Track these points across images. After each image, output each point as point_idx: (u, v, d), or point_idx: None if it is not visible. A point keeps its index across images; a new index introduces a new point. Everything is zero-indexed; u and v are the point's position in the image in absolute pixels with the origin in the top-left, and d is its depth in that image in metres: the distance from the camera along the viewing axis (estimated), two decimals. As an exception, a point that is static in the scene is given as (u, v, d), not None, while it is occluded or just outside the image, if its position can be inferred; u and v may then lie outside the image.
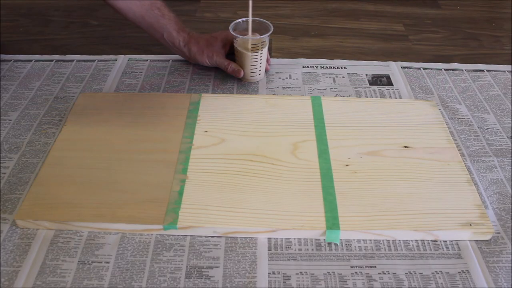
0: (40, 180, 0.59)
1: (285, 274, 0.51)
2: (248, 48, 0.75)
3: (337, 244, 0.54)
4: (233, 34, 0.75)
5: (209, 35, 0.80)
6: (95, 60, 0.85)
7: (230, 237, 0.55)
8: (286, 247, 0.54)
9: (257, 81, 0.80)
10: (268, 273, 0.51)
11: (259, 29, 0.77)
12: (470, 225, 0.55)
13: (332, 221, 0.54)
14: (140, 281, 0.50)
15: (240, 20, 0.77)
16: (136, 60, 0.86)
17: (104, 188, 0.58)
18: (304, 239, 0.55)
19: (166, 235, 0.55)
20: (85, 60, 0.86)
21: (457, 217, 0.56)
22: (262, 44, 0.75)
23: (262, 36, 0.75)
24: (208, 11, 1.06)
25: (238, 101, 0.74)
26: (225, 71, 0.79)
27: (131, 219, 0.54)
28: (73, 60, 0.86)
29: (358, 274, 0.51)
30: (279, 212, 0.55)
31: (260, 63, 0.78)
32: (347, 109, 0.72)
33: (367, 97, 0.78)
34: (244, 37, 0.75)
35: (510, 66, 0.87)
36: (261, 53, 0.76)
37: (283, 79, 0.82)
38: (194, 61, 0.81)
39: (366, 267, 0.52)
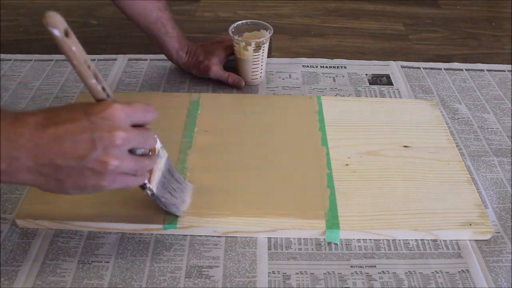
0: (40, 180, 0.59)
1: (285, 273, 0.51)
2: (249, 51, 0.74)
3: (337, 244, 0.54)
4: (233, 37, 0.74)
5: (209, 47, 0.79)
6: (95, 60, 0.85)
7: (230, 236, 0.55)
8: (286, 246, 0.54)
9: (257, 81, 0.80)
10: (268, 273, 0.51)
11: (258, 31, 0.77)
12: (470, 224, 0.55)
13: (332, 221, 0.54)
14: (140, 281, 0.50)
15: (240, 22, 0.76)
16: (136, 60, 0.86)
17: (104, 187, 0.58)
18: (304, 238, 0.55)
19: (166, 234, 0.55)
20: (85, 60, 0.86)
21: (457, 216, 0.56)
22: (263, 47, 0.75)
23: (262, 39, 0.74)
24: (208, 11, 1.06)
25: (238, 101, 0.74)
26: (226, 83, 0.78)
27: (131, 219, 0.54)
28: (73, 60, 0.86)
29: (358, 273, 0.51)
30: (279, 211, 0.55)
31: (261, 65, 0.78)
32: (347, 108, 0.72)
33: (367, 96, 0.78)
34: (244, 40, 0.74)
35: (510, 65, 0.87)
36: (262, 56, 0.76)
37: (283, 79, 0.82)
38: None
39: (366, 266, 0.52)
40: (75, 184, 0.40)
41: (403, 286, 0.50)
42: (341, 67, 0.85)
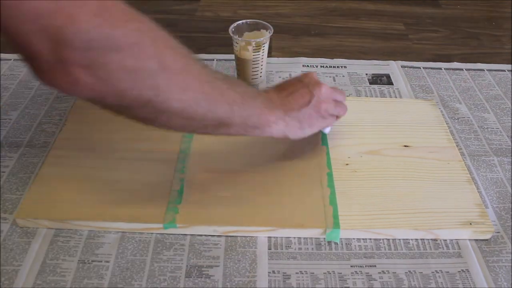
0: (40, 179, 0.59)
1: (285, 273, 0.51)
2: (249, 51, 0.74)
3: (337, 243, 0.54)
4: (233, 37, 0.74)
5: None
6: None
7: (230, 236, 0.55)
8: (286, 246, 0.54)
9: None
10: (268, 272, 0.51)
11: (259, 30, 0.77)
12: (470, 224, 0.55)
13: (332, 220, 0.54)
14: (140, 280, 0.50)
15: (240, 22, 0.76)
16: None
17: (104, 187, 0.58)
18: (304, 238, 0.55)
19: (166, 234, 0.55)
20: (85, 59, 0.85)
21: (457, 216, 0.56)
22: (263, 46, 0.75)
23: (262, 39, 0.74)
24: (208, 10, 1.05)
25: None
26: None
27: (131, 218, 0.54)
28: (73, 59, 0.86)
29: (358, 273, 0.51)
30: (279, 210, 0.55)
31: (261, 65, 0.77)
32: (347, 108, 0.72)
33: (367, 96, 0.78)
34: (245, 39, 0.74)
35: (510, 65, 0.87)
36: (262, 56, 0.76)
37: (283, 79, 0.81)
38: None
39: (366, 266, 0.52)
40: (308, 123, 0.56)
41: (403, 286, 0.50)
42: (341, 66, 0.85)
